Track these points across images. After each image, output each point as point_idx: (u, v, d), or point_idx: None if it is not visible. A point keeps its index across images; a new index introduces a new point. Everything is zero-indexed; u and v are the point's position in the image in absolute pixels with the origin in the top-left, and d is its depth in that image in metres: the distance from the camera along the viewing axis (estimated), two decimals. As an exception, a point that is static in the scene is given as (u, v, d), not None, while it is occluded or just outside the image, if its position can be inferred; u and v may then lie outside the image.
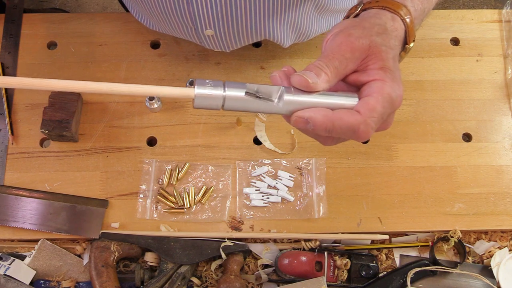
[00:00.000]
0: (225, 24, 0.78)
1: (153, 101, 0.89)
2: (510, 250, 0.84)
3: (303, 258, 0.81)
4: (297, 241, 0.84)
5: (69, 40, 0.96)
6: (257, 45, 0.96)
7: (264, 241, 0.84)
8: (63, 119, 0.84)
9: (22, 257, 0.83)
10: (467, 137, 0.91)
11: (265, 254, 0.83)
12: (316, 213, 0.85)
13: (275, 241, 0.84)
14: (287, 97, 0.54)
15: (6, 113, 0.89)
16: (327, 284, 0.79)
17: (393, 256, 0.85)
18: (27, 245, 0.84)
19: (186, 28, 0.82)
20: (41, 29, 0.96)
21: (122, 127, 0.90)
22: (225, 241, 0.82)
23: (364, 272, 0.81)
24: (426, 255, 0.85)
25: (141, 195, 0.85)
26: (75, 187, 0.86)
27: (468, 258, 0.84)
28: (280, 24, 0.82)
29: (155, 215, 0.84)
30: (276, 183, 0.86)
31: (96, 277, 0.79)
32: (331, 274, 0.82)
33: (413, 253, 0.85)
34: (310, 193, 0.86)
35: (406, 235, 0.86)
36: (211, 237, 0.82)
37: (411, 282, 0.80)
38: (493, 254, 0.83)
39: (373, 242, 0.84)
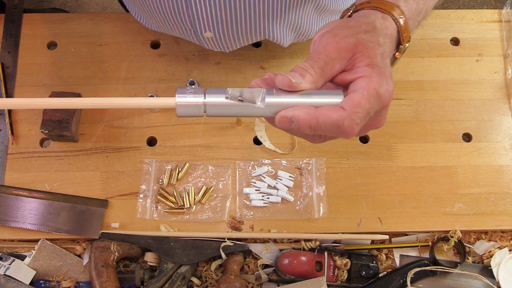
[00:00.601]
0: (224, 26, 0.78)
1: (153, 101, 0.88)
2: (510, 250, 0.84)
3: (303, 258, 0.81)
4: (297, 241, 0.84)
5: (69, 40, 0.96)
6: (257, 45, 0.96)
7: (264, 241, 0.84)
8: (63, 119, 0.84)
9: (22, 257, 0.83)
10: (467, 137, 0.91)
11: (265, 254, 0.83)
12: (316, 213, 0.85)
13: (275, 241, 0.84)
14: (269, 99, 0.54)
15: (6, 113, 0.89)
16: (327, 284, 0.79)
17: (393, 256, 0.85)
18: (27, 245, 0.84)
19: (185, 30, 0.82)
20: (41, 29, 0.96)
21: (122, 127, 0.90)
22: (225, 241, 0.82)
23: (364, 272, 0.81)
24: (426, 255, 0.85)
25: (141, 195, 0.85)
26: (75, 187, 0.86)
27: (468, 258, 0.84)
28: (280, 25, 0.82)
29: (155, 215, 0.84)
30: (276, 183, 0.86)
31: (96, 277, 0.79)
32: (331, 274, 0.82)
33: (413, 253, 0.85)
34: (310, 193, 0.86)
35: (406, 235, 0.86)
36: (211, 237, 0.82)
37: (411, 282, 0.80)
38: (493, 254, 0.83)
39: (373, 242, 0.84)
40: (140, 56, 0.95)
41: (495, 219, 0.85)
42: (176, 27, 0.82)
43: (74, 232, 0.82)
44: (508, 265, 0.82)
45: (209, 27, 0.79)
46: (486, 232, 0.86)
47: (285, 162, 0.88)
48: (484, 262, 0.85)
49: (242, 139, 0.90)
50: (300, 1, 0.77)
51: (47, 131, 0.84)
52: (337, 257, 0.82)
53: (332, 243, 0.84)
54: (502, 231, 0.86)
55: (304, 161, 0.88)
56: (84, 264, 0.83)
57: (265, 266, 0.84)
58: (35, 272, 0.81)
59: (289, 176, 0.87)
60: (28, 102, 0.55)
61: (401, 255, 0.85)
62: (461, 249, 0.84)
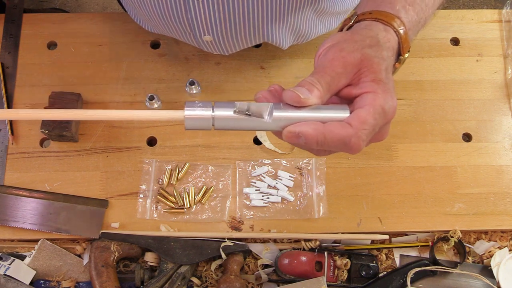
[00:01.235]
0: (223, 30, 0.78)
1: (153, 101, 0.89)
2: (510, 250, 0.84)
3: (303, 258, 0.81)
4: (297, 241, 0.84)
5: (69, 40, 0.96)
6: (257, 45, 0.96)
7: (264, 241, 0.84)
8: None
9: (22, 257, 0.83)
10: (467, 137, 0.91)
11: (265, 254, 0.83)
12: (316, 213, 0.85)
13: (275, 241, 0.84)
14: (277, 113, 0.55)
15: (6, 113, 0.89)
16: (327, 284, 0.79)
17: (393, 256, 0.85)
18: (27, 245, 0.84)
19: (184, 33, 0.82)
20: (41, 29, 0.96)
21: (122, 127, 0.90)
22: (225, 241, 0.82)
23: (364, 272, 0.81)
24: (426, 255, 0.85)
25: (141, 195, 0.85)
26: (75, 187, 0.86)
27: (468, 258, 0.84)
28: (279, 29, 0.82)
29: (155, 215, 0.84)
30: (276, 183, 0.86)
31: (96, 277, 0.79)
32: (331, 274, 0.82)
33: (413, 253, 0.85)
34: (310, 193, 0.86)
35: (406, 235, 0.86)
36: (211, 237, 0.82)
37: (411, 282, 0.80)
38: (493, 254, 0.83)
39: (373, 242, 0.84)
40: (140, 56, 0.95)
41: (495, 219, 0.85)
42: (175, 30, 0.82)
43: (74, 232, 0.82)
44: (508, 265, 0.82)
45: (208, 31, 0.79)
46: (486, 232, 0.86)
47: (285, 162, 0.88)
48: (484, 262, 0.85)
49: (242, 139, 0.90)
50: (299, 5, 0.77)
51: (47, 131, 0.84)
52: (337, 257, 0.82)
53: (332, 243, 0.84)
54: (502, 231, 0.86)
55: (304, 161, 0.88)
56: (84, 264, 0.83)
57: (265, 266, 0.84)
58: (35, 272, 0.81)
59: (289, 176, 0.87)
60: (29, 114, 0.55)
61: (401, 255, 0.85)
62: (461, 249, 0.84)
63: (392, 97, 0.56)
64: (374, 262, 0.82)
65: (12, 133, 0.88)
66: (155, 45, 0.97)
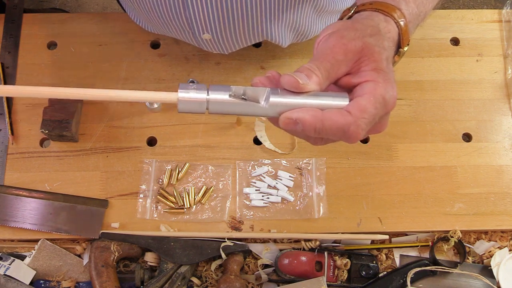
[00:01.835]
0: (222, 28, 0.78)
1: (153, 101, 0.89)
2: (510, 250, 0.84)
3: (303, 258, 0.81)
4: (297, 241, 0.84)
5: (69, 40, 0.96)
6: (257, 45, 0.96)
7: (264, 241, 0.84)
8: (63, 119, 0.84)
9: (22, 257, 0.83)
10: (467, 137, 0.91)
11: (265, 254, 0.83)
12: (316, 213, 0.85)
13: (275, 241, 0.84)
14: (274, 98, 0.53)
15: (6, 113, 0.89)
16: (327, 284, 0.79)
17: (393, 256, 0.85)
18: (27, 245, 0.84)
19: (183, 32, 0.82)
20: (41, 29, 0.96)
21: (122, 127, 0.90)
22: (225, 241, 0.82)
23: (364, 272, 0.81)
24: (426, 255, 0.85)
25: (141, 195, 0.85)
26: (75, 187, 0.86)
27: (468, 258, 0.84)
28: (278, 26, 0.82)
29: (155, 215, 0.84)
30: (276, 183, 0.86)
31: (96, 277, 0.79)
32: (331, 274, 0.82)
33: (413, 253, 0.85)
34: (310, 193, 0.86)
35: (406, 235, 0.86)
36: (211, 237, 0.82)
37: (411, 282, 0.80)
38: (493, 254, 0.83)
39: (373, 242, 0.84)
40: (140, 56, 0.95)
41: (495, 219, 0.85)
42: (174, 29, 0.82)
43: (74, 232, 0.82)
44: (508, 265, 0.82)
45: (207, 29, 0.79)
46: (486, 232, 0.86)
47: (285, 162, 0.88)
48: (484, 262, 0.85)
49: (242, 139, 0.90)
50: (298, 1, 0.77)
51: (47, 131, 0.84)
52: (337, 257, 0.82)
53: (332, 243, 0.84)
54: (502, 231, 0.86)
55: (304, 161, 0.88)
56: (84, 264, 0.83)
57: (265, 266, 0.84)
58: (35, 272, 0.81)
59: (289, 176, 0.87)
60: (31, 91, 0.54)
61: (401, 255, 0.85)
62: (461, 249, 0.84)
63: (393, 87, 0.55)
64: (374, 262, 0.82)
65: (12, 133, 0.88)
66: (155, 45, 0.97)
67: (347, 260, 0.82)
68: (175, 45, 0.96)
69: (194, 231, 0.83)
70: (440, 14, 1.00)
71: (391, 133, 0.90)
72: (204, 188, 0.86)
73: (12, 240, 0.84)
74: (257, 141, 0.90)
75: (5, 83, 0.91)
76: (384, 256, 0.84)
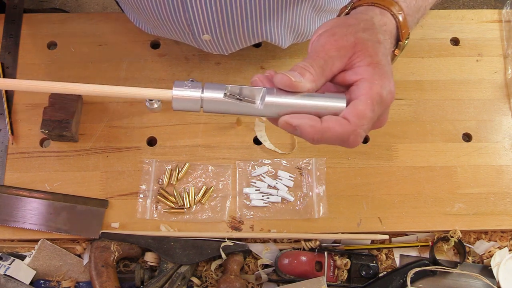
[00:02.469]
0: (222, 29, 0.78)
1: (153, 101, 0.89)
2: (510, 250, 0.84)
3: (303, 258, 0.81)
4: (297, 241, 0.84)
5: (69, 40, 0.96)
6: (257, 45, 0.96)
7: (264, 241, 0.84)
8: (63, 119, 0.84)
9: (22, 257, 0.83)
10: (467, 137, 0.91)
11: (265, 254, 0.83)
12: (316, 213, 0.85)
13: (275, 241, 0.84)
14: (269, 98, 0.53)
15: (6, 113, 0.89)
16: (327, 284, 0.79)
17: (393, 256, 0.85)
18: (27, 245, 0.84)
19: (183, 33, 0.82)
20: (41, 29, 0.96)
21: (122, 127, 0.90)
22: (225, 241, 0.82)
23: (364, 272, 0.81)
24: (426, 255, 0.85)
25: (141, 195, 0.85)
26: (75, 187, 0.86)
27: (468, 258, 0.84)
28: (277, 26, 0.82)
29: (155, 215, 0.84)
30: (276, 183, 0.86)
31: (96, 277, 0.79)
32: (331, 274, 0.82)
33: (413, 253, 0.85)
34: (310, 193, 0.86)
35: (406, 235, 0.86)
36: (211, 237, 0.82)
37: (411, 282, 0.80)
38: (493, 254, 0.83)
39: (373, 242, 0.84)
40: (140, 56, 0.95)
41: (495, 219, 0.85)
42: (174, 30, 0.82)
43: (74, 232, 0.82)
44: (508, 265, 0.82)
45: (206, 30, 0.79)
46: (486, 232, 0.86)
47: (285, 162, 0.88)
48: (484, 262, 0.85)
49: (242, 139, 0.90)
50: (296, 1, 0.77)
51: (47, 131, 0.84)
52: (337, 257, 0.82)
53: (332, 243, 0.84)
54: (502, 231, 0.86)
55: (304, 161, 0.88)
56: (84, 264, 0.83)
57: (265, 266, 0.84)
58: (35, 272, 0.81)
59: (289, 176, 0.87)
60: (32, 85, 0.55)
61: (401, 255, 0.85)
62: (461, 249, 0.84)
63: (389, 81, 0.54)
64: (374, 262, 0.82)
65: (12, 133, 0.88)
66: (155, 45, 0.97)
67: (347, 260, 0.82)
68: (175, 45, 0.96)
69: (194, 231, 0.83)
70: (440, 14, 1.00)
71: (391, 133, 0.90)
72: (204, 188, 0.86)
73: (12, 240, 0.84)
74: (257, 141, 0.90)
75: (5, 83, 0.91)
76: (384, 256, 0.84)
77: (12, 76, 0.92)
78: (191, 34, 0.81)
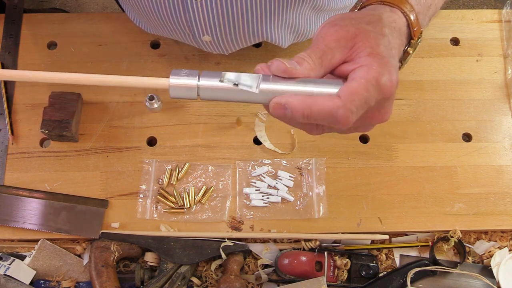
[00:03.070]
0: (222, 29, 0.78)
1: (153, 101, 0.88)
2: (510, 250, 0.84)
3: (303, 258, 0.81)
4: (297, 241, 0.84)
5: (69, 40, 0.96)
6: (257, 45, 0.96)
7: (264, 241, 0.84)
8: (63, 119, 0.84)
9: (22, 257, 0.83)
10: (467, 137, 0.91)
11: (265, 254, 0.83)
12: (316, 213, 0.85)
13: (275, 241, 0.84)
14: (265, 85, 0.53)
15: (6, 113, 0.89)
16: (327, 284, 0.79)
17: (393, 256, 0.85)
18: (27, 245, 0.84)
19: (183, 34, 0.82)
20: (41, 29, 0.96)
21: (122, 127, 0.90)
22: (225, 241, 0.82)
23: (364, 272, 0.81)
24: (426, 255, 0.85)
25: (141, 195, 0.85)
26: (75, 187, 0.86)
27: (468, 258, 0.84)
28: (278, 26, 0.82)
29: (155, 215, 0.84)
30: (276, 183, 0.86)
31: (96, 277, 0.79)
32: (331, 274, 0.82)
33: (413, 253, 0.85)
34: (310, 193, 0.86)
35: (406, 235, 0.86)
36: (211, 237, 0.82)
37: (411, 282, 0.80)
38: (493, 254, 0.83)
39: (373, 242, 0.84)
40: (140, 56, 0.95)
41: (495, 219, 0.85)
42: (174, 31, 0.82)
43: (74, 232, 0.82)
44: (508, 265, 0.82)
45: (207, 31, 0.79)
46: (486, 232, 0.86)
47: (285, 162, 0.88)
48: (484, 262, 0.85)
49: (242, 139, 0.90)
50: (296, 1, 0.77)
51: (47, 131, 0.84)
52: (337, 257, 0.82)
53: (332, 243, 0.84)
54: (502, 231, 0.86)
55: (304, 161, 0.88)
56: (84, 264, 0.83)
57: (265, 266, 0.84)
58: (35, 272, 0.81)
59: (289, 176, 0.87)
60: (35, 76, 0.55)
61: (401, 255, 0.85)
62: (461, 249, 0.84)
63: (390, 71, 0.52)
64: (374, 262, 0.82)
65: (12, 133, 0.88)
66: (155, 45, 0.97)
67: (347, 260, 0.82)
68: (175, 45, 0.96)
69: (194, 231, 0.83)
70: (440, 14, 1.00)
71: (391, 133, 0.90)
72: (204, 188, 0.86)
73: (12, 240, 0.84)
74: (257, 141, 0.90)
75: (5, 83, 0.91)
76: (384, 256, 0.84)
77: (12, 76, 0.92)
78: (191, 35, 0.81)
